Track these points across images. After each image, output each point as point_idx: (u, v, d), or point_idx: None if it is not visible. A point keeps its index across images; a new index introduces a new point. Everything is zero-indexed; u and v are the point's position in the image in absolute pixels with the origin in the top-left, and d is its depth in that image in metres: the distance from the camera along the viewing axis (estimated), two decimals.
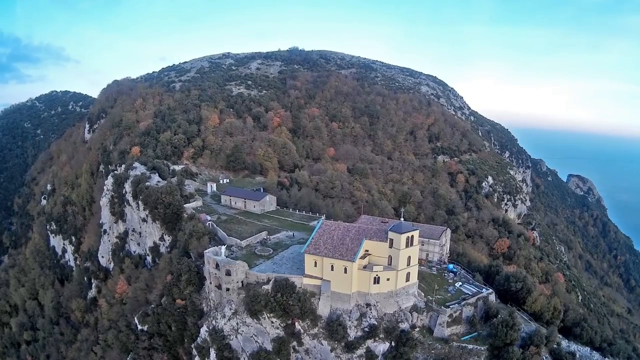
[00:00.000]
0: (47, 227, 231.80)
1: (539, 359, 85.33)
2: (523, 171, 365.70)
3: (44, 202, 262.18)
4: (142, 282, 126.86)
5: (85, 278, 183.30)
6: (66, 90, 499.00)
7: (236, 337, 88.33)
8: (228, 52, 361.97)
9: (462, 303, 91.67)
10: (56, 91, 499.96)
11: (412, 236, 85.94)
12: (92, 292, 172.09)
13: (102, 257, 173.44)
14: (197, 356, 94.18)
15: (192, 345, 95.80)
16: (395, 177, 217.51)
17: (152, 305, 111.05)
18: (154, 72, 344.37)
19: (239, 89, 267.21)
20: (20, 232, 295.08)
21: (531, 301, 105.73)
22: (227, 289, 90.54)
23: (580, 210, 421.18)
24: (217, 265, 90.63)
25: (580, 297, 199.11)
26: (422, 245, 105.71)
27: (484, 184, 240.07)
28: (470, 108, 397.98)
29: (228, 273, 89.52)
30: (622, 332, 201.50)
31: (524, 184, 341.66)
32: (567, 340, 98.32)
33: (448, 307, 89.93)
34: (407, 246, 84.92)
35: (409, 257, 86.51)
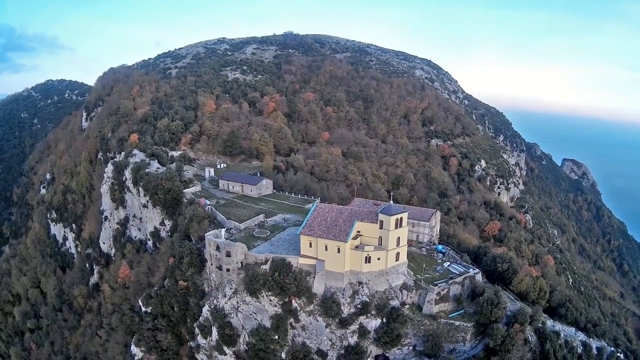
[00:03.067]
0: (47, 215, 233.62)
1: (523, 337, 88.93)
2: (517, 155, 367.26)
3: (43, 191, 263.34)
4: (144, 266, 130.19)
5: (86, 265, 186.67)
6: (62, 79, 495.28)
7: (236, 315, 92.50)
8: (223, 38, 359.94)
9: (450, 282, 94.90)
10: (52, 80, 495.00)
11: (401, 218, 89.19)
12: (94, 278, 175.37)
13: (104, 243, 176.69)
14: (199, 334, 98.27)
15: (195, 325, 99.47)
16: (388, 160, 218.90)
17: (155, 288, 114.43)
18: (149, 58, 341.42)
19: (234, 75, 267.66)
20: (20, 221, 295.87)
21: (517, 281, 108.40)
22: (228, 270, 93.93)
23: (574, 195, 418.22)
24: (217, 247, 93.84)
25: (570, 280, 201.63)
26: (413, 227, 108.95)
27: (476, 167, 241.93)
28: (464, 91, 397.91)
29: (228, 254, 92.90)
30: (613, 315, 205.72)
31: (518, 167, 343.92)
32: (552, 320, 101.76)
33: (436, 285, 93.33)
34: (396, 227, 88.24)
35: (399, 238, 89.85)
